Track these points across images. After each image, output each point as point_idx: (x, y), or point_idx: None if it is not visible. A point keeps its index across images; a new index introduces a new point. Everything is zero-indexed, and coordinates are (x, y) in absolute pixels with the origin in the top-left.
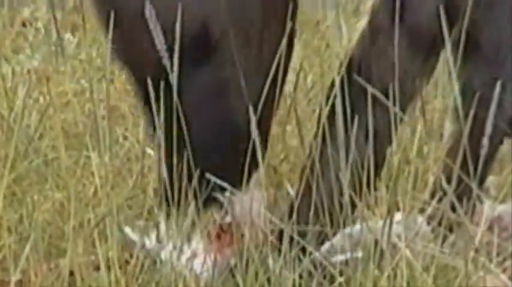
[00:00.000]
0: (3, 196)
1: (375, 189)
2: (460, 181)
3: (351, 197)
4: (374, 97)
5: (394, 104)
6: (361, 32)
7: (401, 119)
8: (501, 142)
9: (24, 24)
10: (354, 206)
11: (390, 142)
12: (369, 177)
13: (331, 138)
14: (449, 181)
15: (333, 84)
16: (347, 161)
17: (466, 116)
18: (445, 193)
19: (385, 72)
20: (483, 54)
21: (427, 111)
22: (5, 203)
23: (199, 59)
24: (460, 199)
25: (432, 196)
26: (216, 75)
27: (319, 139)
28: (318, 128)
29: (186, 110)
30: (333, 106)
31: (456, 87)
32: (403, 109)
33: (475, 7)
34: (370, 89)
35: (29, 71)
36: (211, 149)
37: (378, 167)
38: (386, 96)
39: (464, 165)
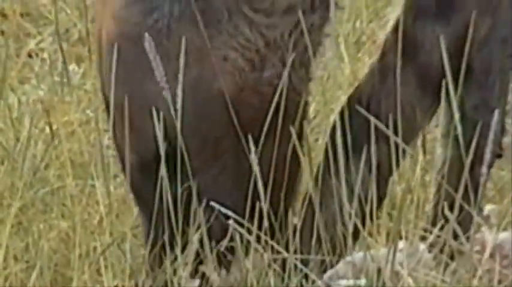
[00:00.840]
0: (10, 225)
1: (377, 218)
2: (460, 208)
3: (354, 225)
4: (377, 131)
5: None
6: (370, 69)
7: (404, 153)
8: (492, 164)
9: (30, 55)
10: (356, 235)
11: (391, 174)
12: (372, 207)
13: (334, 169)
14: (449, 208)
15: (342, 116)
16: (352, 193)
17: (458, 141)
18: (446, 221)
19: (394, 109)
20: (474, 78)
21: (427, 141)
22: (11, 232)
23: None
24: (460, 226)
25: (432, 223)
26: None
27: (322, 169)
28: (325, 160)
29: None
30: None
31: (457, 116)
32: (407, 144)
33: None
34: (378, 124)
35: (34, 102)
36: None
37: (381, 198)
38: (393, 130)
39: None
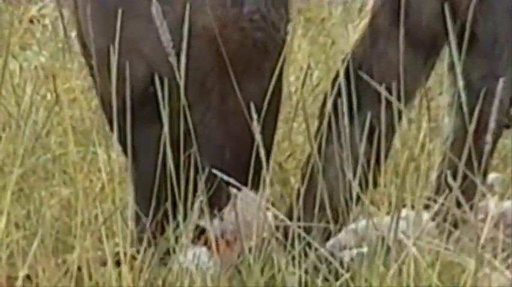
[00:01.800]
0: (11, 192)
1: (377, 185)
2: (464, 176)
3: (356, 193)
4: (375, 95)
5: (397, 100)
6: (361, 33)
7: (400, 116)
8: (500, 134)
9: (31, 21)
10: (358, 201)
11: (392, 138)
12: (375, 173)
13: (334, 134)
14: (452, 177)
15: (334, 83)
16: (352, 157)
17: (467, 111)
18: (450, 189)
19: (386, 71)
20: (480, 48)
21: (432, 109)
22: (12, 199)
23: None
24: (464, 195)
25: (436, 192)
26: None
27: (323, 135)
28: (320, 124)
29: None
30: (335, 104)
31: (461, 83)
32: (404, 106)
33: (474, 3)
34: (374, 85)
35: (36, 68)
36: None
37: (382, 162)
38: (389, 93)
39: (466, 160)
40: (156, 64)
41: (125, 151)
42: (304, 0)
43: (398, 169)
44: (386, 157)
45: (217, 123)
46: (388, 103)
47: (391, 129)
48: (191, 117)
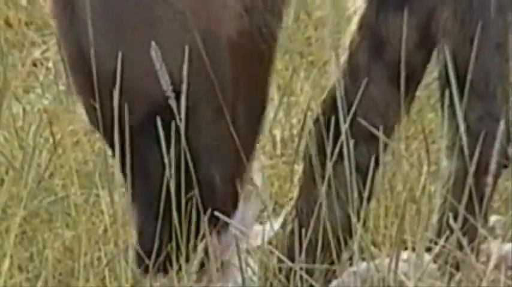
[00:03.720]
0: (14, 235)
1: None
2: (465, 219)
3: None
4: (360, 132)
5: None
6: (341, 71)
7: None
8: (499, 174)
9: (35, 65)
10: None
11: (375, 174)
12: (366, 212)
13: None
14: (454, 219)
15: (315, 123)
16: (353, 202)
17: (463, 152)
18: (451, 231)
19: (368, 108)
20: (474, 88)
21: (432, 151)
22: (15, 241)
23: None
24: (465, 237)
25: (437, 234)
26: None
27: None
28: (305, 165)
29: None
30: (320, 146)
31: (462, 126)
32: (385, 144)
33: (458, 38)
34: (360, 122)
35: (39, 110)
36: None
37: (368, 201)
38: (371, 131)
39: (467, 202)
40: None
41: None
42: (306, 43)
43: (399, 210)
44: (371, 194)
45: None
46: (372, 140)
47: (376, 166)
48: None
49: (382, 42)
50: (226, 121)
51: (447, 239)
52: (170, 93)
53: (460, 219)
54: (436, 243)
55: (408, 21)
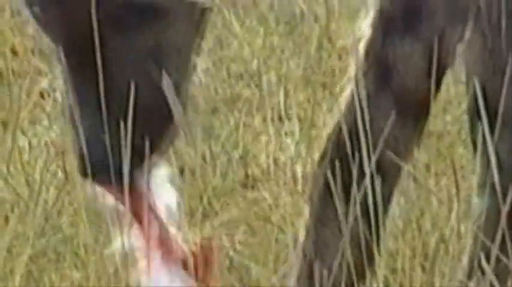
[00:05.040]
0: (19, 275)
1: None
2: (497, 259)
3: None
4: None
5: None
6: (346, 103)
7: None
8: None
9: (41, 95)
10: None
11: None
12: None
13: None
14: (486, 260)
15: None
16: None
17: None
18: (483, 273)
19: (376, 140)
20: (504, 121)
21: (462, 188)
22: (21, 282)
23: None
24: (498, 279)
25: (468, 276)
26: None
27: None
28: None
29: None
30: (325, 183)
31: (494, 162)
32: (397, 175)
33: (488, 68)
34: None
35: (46, 143)
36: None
37: (379, 239)
38: (382, 165)
39: (500, 242)
40: None
41: None
42: (330, 74)
43: (428, 251)
44: (383, 232)
45: None
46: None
47: (387, 204)
48: None
49: (389, 68)
50: None
51: (478, 281)
52: (184, 128)
53: (492, 260)
54: (466, 286)
55: (415, 46)
